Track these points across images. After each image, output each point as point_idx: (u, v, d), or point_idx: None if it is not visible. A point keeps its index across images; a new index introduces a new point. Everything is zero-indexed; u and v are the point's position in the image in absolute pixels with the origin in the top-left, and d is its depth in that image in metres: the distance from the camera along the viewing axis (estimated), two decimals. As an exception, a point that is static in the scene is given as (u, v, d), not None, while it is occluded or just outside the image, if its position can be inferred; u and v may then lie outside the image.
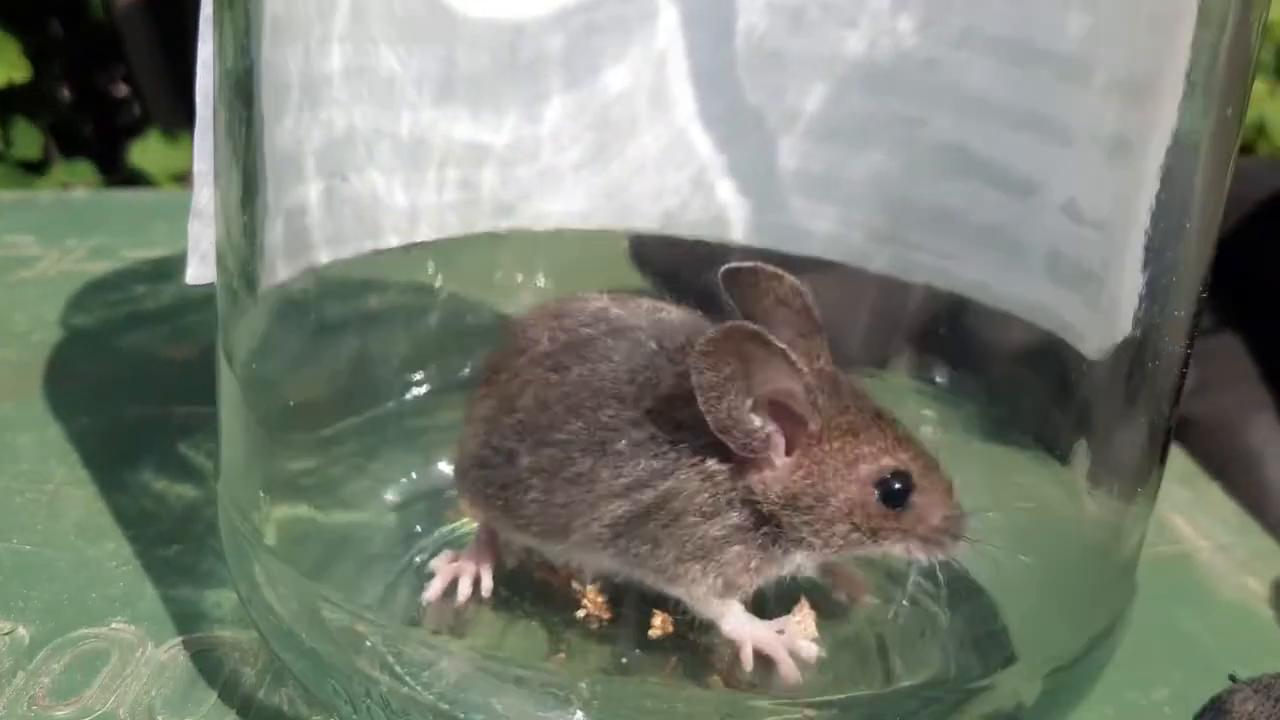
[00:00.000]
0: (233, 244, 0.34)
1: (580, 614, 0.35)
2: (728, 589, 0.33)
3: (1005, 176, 0.40)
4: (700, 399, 0.30)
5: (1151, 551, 0.47)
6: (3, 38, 0.83)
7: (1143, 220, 0.34)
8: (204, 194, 0.35)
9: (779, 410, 0.31)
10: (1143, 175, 0.34)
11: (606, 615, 0.36)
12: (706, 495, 0.32)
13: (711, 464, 0.32)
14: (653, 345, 0.33)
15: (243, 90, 0.32)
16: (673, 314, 0.34)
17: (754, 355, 0.30)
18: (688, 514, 0.32)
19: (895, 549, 0.33)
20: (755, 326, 0.30)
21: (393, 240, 0.41)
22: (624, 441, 0.32)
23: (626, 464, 0.32)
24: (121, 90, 1.25)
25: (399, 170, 0.41)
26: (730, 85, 0.44)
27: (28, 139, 0.99)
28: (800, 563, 0.33)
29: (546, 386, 0.33)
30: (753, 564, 0.32)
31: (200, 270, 0.37)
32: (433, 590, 0.36)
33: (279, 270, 0.37)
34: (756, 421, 0.31)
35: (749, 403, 0.30)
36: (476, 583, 0.36)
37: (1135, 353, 0.35)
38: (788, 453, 0.32)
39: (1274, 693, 0.28)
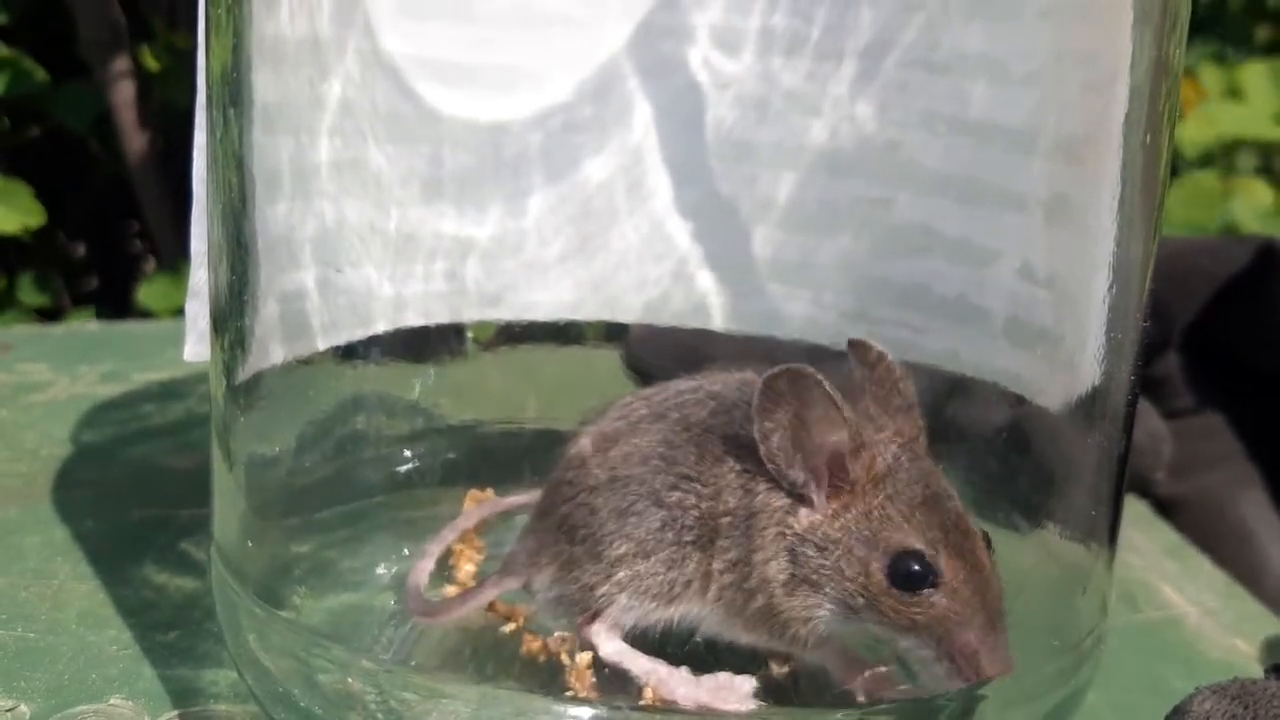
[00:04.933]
0: (225, 323, 0.36)
1: (568, 692, 0.36)
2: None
3: (965, 248, 0.42)
4: (755, 430, 0.32)
5: (1140, 617, 0.48)
6: (16, 185, 0.86)
7: (1098, 273, 0.36)
8: (200, 274, 0.37)
9: (834, 459, 0.33)
10: (1090, 229, 0.36)
11: (594, 694, 0.36)
12: (761, 527, 0.33)
13: (766, 499, 0.33)
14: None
15: (234, 173, 0.34)
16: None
17: (807, 397, 0.32)
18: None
19: (911, 649, 0.32)
20: (810, 369, 0.32)
21: (381, 327, 0.43)
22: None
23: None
24: (135, 246, 1.29)
25: (387, 263, 0.43)
26: (704, 176, 0.46)
27: (41, 288, 1.03)
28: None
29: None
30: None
31: (198, 348, 0.39)
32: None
33: (273, 352, 0.38)
34: (799, 459, 0.32)
35: (799, 440, 0.32)
36: None
37: (1094, 402, 0.36)
38: (830, 499, 0.33)
39: (1230, 692, 0.28)
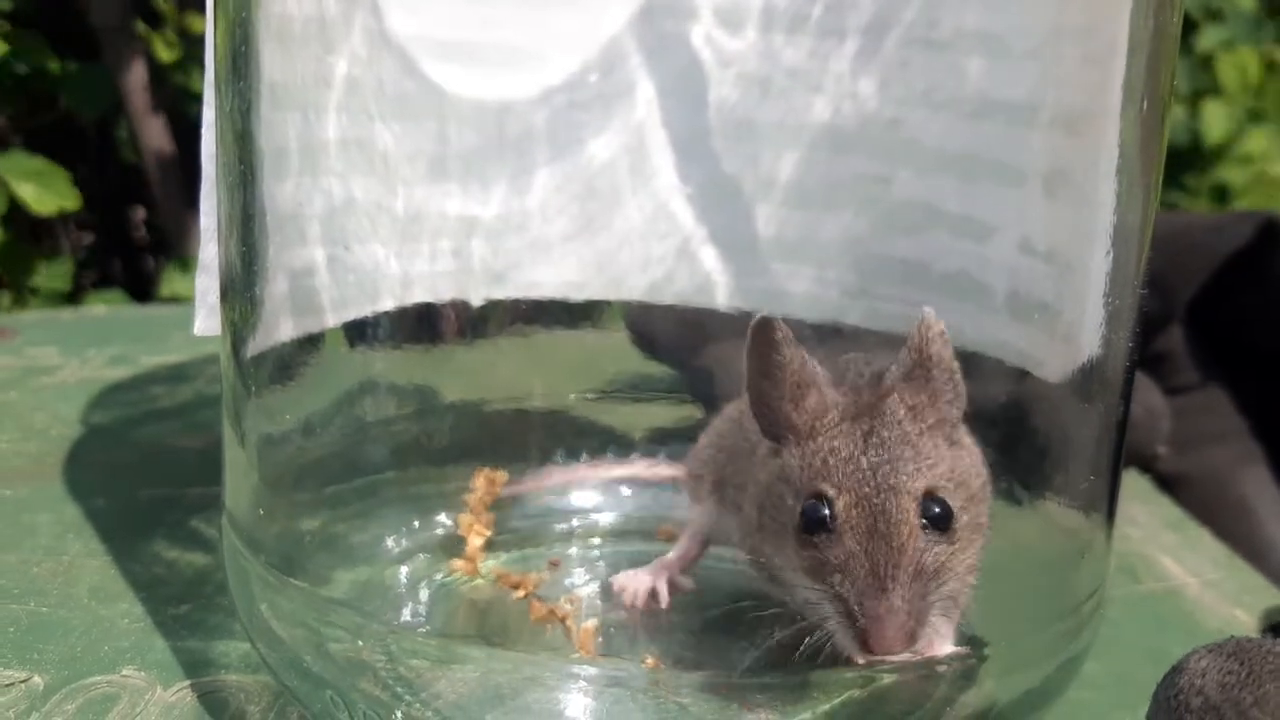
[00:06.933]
0: (235, 298, 0.36)
1: (574, 655, 0.37)
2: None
3: (965, 223, 0.43)
4: (745, 381, 0.33)
5: (1141, 588, 0.48)
6: (54, 168, 0.87)
7: (1098, 245, 0.36)
8: (210, 249, 0.37)
9: (790, 407, 0.33)
10: (1089, 200, 0.36)
11: (598, 656, 0.37)
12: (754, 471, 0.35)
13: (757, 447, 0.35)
14: None
15: (242, 149, 0.34)
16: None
17: (771, 346, 0.32)
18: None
19: (811, 603, 0.31)
20: (771, 318, 0.32)
21: (389, 305, 0.43)
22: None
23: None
24: (145, 236, 1.30)
25: (394, 241, 0.43)
26: (708, 155, 0.47)
27: (58, 272, 1.03)
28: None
29: None
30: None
31: (208, 323, 0.39)
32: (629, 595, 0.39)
33: (282, 327, 0.39)
34: (772, 407, 0.33)
35: (769, 389, 0.33)
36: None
37: (1093, 372, 0.36)
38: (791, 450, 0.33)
39: (1226, 650, 0.29)
